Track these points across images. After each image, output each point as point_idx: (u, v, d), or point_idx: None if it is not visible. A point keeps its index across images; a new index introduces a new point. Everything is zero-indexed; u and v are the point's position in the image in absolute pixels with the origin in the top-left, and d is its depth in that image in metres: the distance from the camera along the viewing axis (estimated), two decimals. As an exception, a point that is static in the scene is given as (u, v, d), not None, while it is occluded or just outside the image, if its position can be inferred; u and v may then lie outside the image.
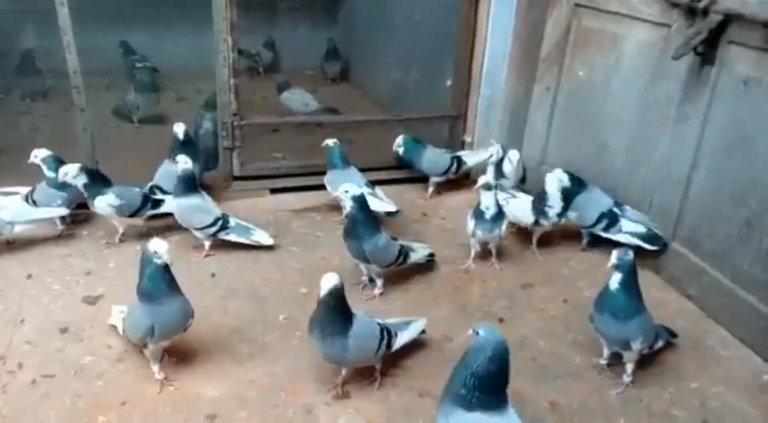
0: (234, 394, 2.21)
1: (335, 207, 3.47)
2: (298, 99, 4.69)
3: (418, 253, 2.93)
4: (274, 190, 3.62)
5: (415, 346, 2.48)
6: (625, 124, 3.21)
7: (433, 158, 3.73)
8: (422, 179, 3.86)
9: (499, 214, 2.96)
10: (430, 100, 4.02)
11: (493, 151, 3.52)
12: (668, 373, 2.41)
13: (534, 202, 3.16)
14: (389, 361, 2.37)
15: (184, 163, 2.93)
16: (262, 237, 3.07)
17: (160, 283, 2.11)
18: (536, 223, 3.16)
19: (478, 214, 2.96)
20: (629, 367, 2.32)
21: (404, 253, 2.81)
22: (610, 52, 3.23)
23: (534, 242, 3.26)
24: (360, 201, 2.65)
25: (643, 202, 3.12)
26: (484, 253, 3.11)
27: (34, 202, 3.05)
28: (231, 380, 2.27)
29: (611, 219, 3.12)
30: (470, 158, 3.82)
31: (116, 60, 5.24)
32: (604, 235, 3.13)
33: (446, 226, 3.49)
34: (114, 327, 2.42)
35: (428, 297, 2.81)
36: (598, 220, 3.14)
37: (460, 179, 3.89)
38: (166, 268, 2.10)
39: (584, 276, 3.07)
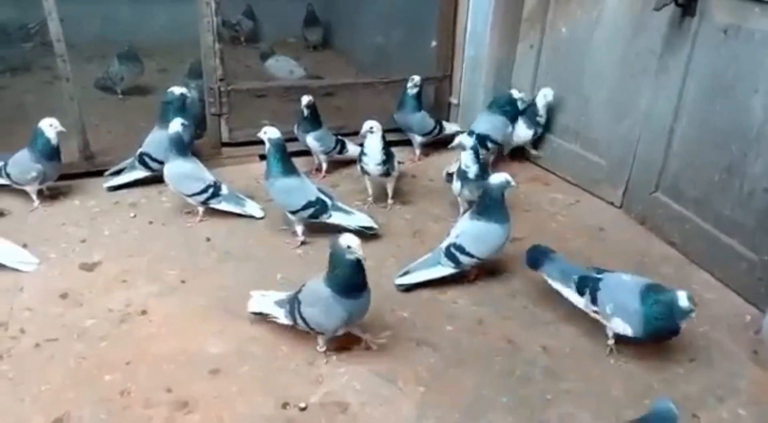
0: (236, 350, 2.26)
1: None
2: (283, 66, 4.68)
3: (350, 218, 2.90)
4: (263, 156, 3.62)
5: (413, 299, 2.55)
6: (608, 78, 3.26)
7: (421, 117, 3.77)
8: (408, 142, 3.90)
9: (483, 173, 3.01)
10: (415, 62, 4.03)
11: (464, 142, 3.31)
12: (655, 316, 2.49)
13: (527, 115, 3.56)
14: (388, 314, 2.44)
15: (176, 125, 2.93)
16: (254, 209, 3.09)
17: (357, 277, 2.10)
18: (535, 135, 3.60)
19: (462, 175, 3.01)
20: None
21: (317, 205, 2.82)
22: (592, 7, 3.26)
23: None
24: (276, 143, 2.81)
25: (627, 154, 3.19)
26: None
27: (8, 176, 3.04)
28: (233, 337, 2.32)
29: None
30: (449, 127, 3.90)
31: (96, 31, 5.19)
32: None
33: (435, 186, 3.53)
34: (258, 314, 2.36)
35: (420, 253, 2.87)
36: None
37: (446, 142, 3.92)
38: (359, 262, 2.08)
39: (571, 228, 3.16)
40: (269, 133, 2.81)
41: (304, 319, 2.18)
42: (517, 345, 2.35)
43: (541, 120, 3.59)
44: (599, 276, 2.33)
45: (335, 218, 2.87)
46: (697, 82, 2.76)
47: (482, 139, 3.45)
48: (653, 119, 3.00)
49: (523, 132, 3.64)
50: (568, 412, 2.05)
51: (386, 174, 3.15)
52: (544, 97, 3.53)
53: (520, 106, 3.62)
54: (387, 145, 3.15)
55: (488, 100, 3.82)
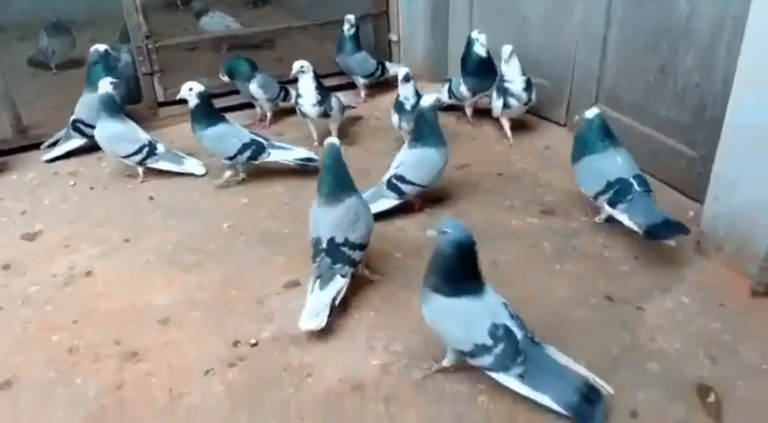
0: (184, 298, 2.25)
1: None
2: (218, 22, 4.56)
3: (290, 153, 2.88)
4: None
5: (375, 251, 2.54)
6: (542, -6, 3.22)
7: (362, 59, 3.71)
8: (353, 85, 3.85)
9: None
10: (351, 2, 3.94)
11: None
12: (600, 224, 2.52)
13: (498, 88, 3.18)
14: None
15: (105, 85, 2.85)
16: (194, 166, 3.03)
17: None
18: (506, 105, 3.17)
19: (399, 107, 2.98)
20: None
21: (252, 146, 2.83)
22: None
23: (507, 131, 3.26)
24: (202, 95, 2.78)
25: (566, 68, 3.18)
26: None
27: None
28: (180, 287, 2.30)
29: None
30: (392, 68, 3.83)
31: (27, 8, 4.99)
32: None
33: (382, 125, 3.51)
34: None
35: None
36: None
37: (390, 82, 3.88)
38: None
39: (517, 150, 3.16)
40: (194, 87, 2.77)
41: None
42: (465, 263, 2.36)
43: (513, 86, 3.11)
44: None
45: (274, 155, 2.85)
46: (624, -16, 2.74)
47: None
48: (587, 31, 2.99)
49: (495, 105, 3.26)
50: (515, 317, 2.08)
51: (324, 114, 3.11)
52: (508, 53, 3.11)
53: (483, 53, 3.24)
54: (321, 85, 3.10)
55: (430, 33, 3.77)
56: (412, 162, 2.56)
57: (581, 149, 2.47)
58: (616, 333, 2.01)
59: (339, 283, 2.07)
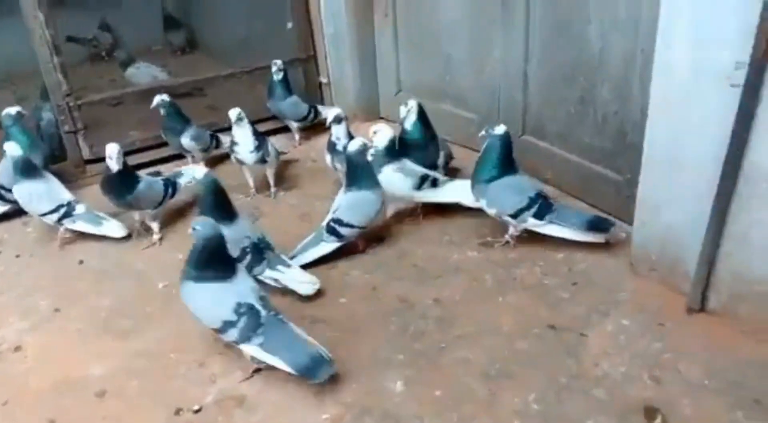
0: (121, 367, 2.15)
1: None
2: (144, 73, 4.48)
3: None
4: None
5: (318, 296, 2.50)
6: (462, 34, 3.32)
7: (294, 103, 3.71)
8: (287, 129, 3.85)
9: None
10: (277, 47, 3.96)
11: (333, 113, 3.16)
12: (537, 251, 2.57)
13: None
14: (278, 298, 2.40)
15: (10, 150, 2.75)
16: (113, 228, 2.86)
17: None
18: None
19: (332, 147, 3.00)
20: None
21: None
22: (434, -35, 3.31)
23: None
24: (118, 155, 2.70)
25: (492, 102, 3.27)
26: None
27: None
28: (116, 355, 2.20)
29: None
30: (324, 111, 3.84)
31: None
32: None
33: (318, 167, 3.49)
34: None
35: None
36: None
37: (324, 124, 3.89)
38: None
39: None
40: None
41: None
42: (410, 302, 2.36)
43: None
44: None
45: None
46: (539, 23, 2.85)
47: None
48: (508, 66, 3.09)
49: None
50: (462, 356, 2.08)
51: (262, 161, 3.08)
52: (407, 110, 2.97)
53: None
54: (257, 131, 3.09)
55: (358, 74, 3.83)
56: (349, 205, 2.57)
57: (494, 169, 2.55)
58: (561, 361, 2.04)
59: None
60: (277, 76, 3.65)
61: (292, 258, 2.56)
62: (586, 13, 2.60)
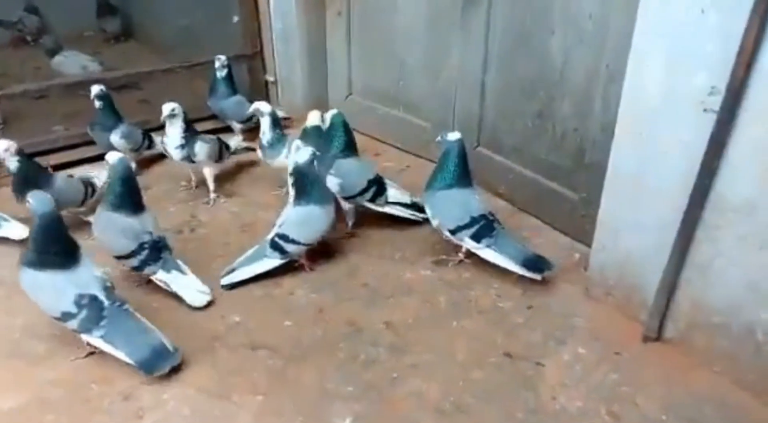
0: (35, 398, 1.90)
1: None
2: (73, 62, 4.13)
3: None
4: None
5: (244, 299, 2.33)
6: (419, 38, 3.19)
7: (237, 103, 3.48)
8: (229, 129, 3.62)
9: (280, 139, 2.84)
10: (221, 41, 3.72)
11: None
12: (491, 272, 2.46)
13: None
14: (217, 321, 2.20)
15: None
16: (13, 230, 2.60)
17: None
18: None
19: (259, 142, 2.89)
20: None
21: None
22: (391, -35, 3.16)
23: None
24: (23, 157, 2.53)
25: (447, 112, 3.15)
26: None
27: None
28: (29, 385, 1.95)
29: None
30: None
31: None
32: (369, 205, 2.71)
33: (263, 172, 3.26)
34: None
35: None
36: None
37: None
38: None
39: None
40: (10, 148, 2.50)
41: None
42: (359, 326, 2.21)
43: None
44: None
45: None
46: (500, 31, 2.75)
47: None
48: (465, 75, 2.98)
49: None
50: (415, 388, 1.95)
51: (188, 159, 2.88)
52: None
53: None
54: (189, 128, 2.88)
55: (307, 74, 3.66)
56: (296, 220, 2.39)
57: (447, 178, 2.44)
58: (518, 394, 1.94)
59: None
60: (221, 73, 3.43)
61: (231, 271, 2.38)
62: (549, 23, 2.51)
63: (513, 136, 2.87)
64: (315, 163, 2.39)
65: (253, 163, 3.34)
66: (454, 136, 2.44)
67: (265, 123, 2.83)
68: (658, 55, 1.83)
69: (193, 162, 2.91)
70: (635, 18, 1.89)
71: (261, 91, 3.82)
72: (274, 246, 2.38)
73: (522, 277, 2.40)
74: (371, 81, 3.55)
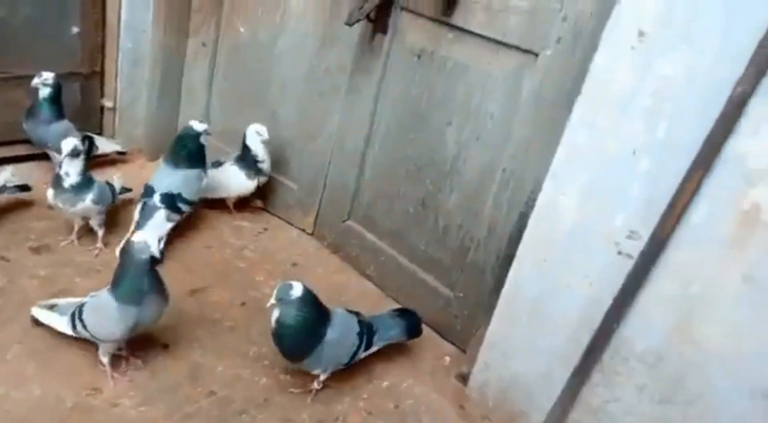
0: None
1: None
2: None
3: None
4: None
5: (51, 411, 1.77)
6: (296, 92, 2.85)
7: (64, 130, 2.83)
8: (45, 156, 2.96)
9: (87, 184, 2.42)
10: (52, 52, 3.02)
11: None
12: (360, 375, 2.18)
13: (246, 164, 2.86)
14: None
15: None
16: None
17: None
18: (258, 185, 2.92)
19: (57, 182, 2.40)
20: None
21: None
22: (274, 7, 2.80)
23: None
24: None
25: (318, 178, 2.84)
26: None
27: None
28: None
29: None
30: (103, 145, 3.10)
31: None
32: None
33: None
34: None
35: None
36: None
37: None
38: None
39: (261, 267, 2.69)
40: None
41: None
42: (203, 457, 1.79)
43: (264, 166, 2.87)
44: None
45: None
46: (391, 107, 2.52)
47: (171, 200, 2.58)
48: (345, 143, 2.70)
49: (243, 184, 2.89)
50: None
51: None
52: (257, 134, 2.81)
53: (204, 141, 2.71)
54: None
55: (155, 103, 3.14)
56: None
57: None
58: None
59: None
60: (44, 92, 2.77)
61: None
62: (447, 113, 2.33)
63: (391, 218, 2.63)
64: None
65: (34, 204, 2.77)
66: (297, 290, 1.95)
67: (75, 165, 2.37)
68: (577, 184, 1.71)
69: None
70: (549, 136, 1.77)
71: (94, 117, 3.20)
72: (73, 323, 1.92)
73: (393, 385, 2.15)
74: (233, 125, 3.09)
